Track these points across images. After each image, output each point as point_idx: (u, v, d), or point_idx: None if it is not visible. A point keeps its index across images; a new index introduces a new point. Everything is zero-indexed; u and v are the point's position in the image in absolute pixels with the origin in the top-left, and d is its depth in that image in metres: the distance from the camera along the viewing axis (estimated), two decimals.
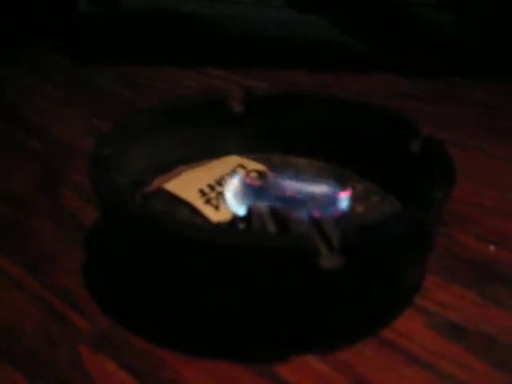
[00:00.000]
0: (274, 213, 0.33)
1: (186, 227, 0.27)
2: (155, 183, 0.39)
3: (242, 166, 0.41)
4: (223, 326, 0.29)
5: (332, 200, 0.34)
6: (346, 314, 0.29)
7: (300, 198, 0.34)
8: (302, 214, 0.32)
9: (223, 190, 0.37)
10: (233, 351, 0.29)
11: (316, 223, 0.28)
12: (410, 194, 0.35)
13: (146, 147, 0.39)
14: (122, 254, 0.32)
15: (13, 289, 0.34)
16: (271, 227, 0.32)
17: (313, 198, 0.34)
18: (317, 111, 0.43)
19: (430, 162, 0.35)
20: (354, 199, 0.37)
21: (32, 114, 0.60)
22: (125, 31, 0.77)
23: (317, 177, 0.39)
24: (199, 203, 0.36)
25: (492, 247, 0.38)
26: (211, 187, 0.38)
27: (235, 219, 0.34)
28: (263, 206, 0.34)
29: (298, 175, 0.37)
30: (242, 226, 0.34)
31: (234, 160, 0.42)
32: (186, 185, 0.38)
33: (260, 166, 0.41)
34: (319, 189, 0.35)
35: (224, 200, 0.36)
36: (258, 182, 0.35)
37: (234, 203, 0.35)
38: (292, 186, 0.35)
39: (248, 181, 0.36)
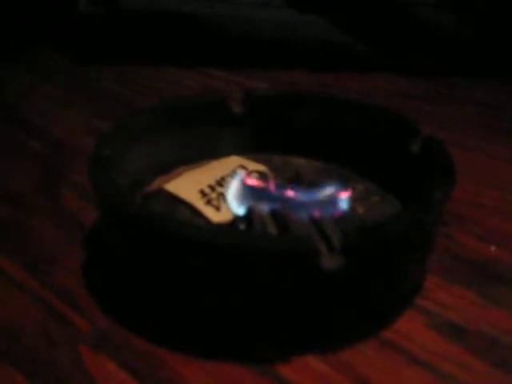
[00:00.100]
0: (274, 214, 0.33)
1: (186, 227, 0.27)
2: (155, 183, 0.39)
3: (243, 167, 0.41)
4: (224, 326, 0.29)
5: (332, 200, 0.34)
6: (346, 315, 0.29)
7: (300, 198, 0.34)
8: (302, 215, 0.32)
9: (224, 191, 0.37)
10: (233, 351, 0.29)
11: (316, 224, 0.28)
12: (410, 194, 0.35)
13: (146, 147, 0.39)
14: (122, 253, 0.32)
15: (13, 289, 0.34)
16: (272, 228, 0.32)
17: (313, 199, 0.34)
18: (317, 111, 0.43)
19: (430, 161, 0.35)
20: (354, 199, 0.38)
21: (32, 113, 0.60)
22: (125, 31, 0.77)
23: (317, 178, 0.39)
24: (200, 204, 0.36)
25: (493, 247, 0.38)
26: (212, 188, 0.38)
27: (236, 220, 0.34)
28: (264, 206, 0.34)
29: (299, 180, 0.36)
30: (242, 226, 0.34)
31: (234, 160, 0.42)
32: (187, 185, 0.38)
33: (260, 167, 0.41)
34: (320, 190, 0.35)
35: (225, 201, 0.36)
36: (258, 183, 0.35)
37: (234, 204, 0.35)
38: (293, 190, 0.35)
39: (248, 182, 0.36)
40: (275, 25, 0.78)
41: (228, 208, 0.35)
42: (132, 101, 0.64)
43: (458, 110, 0.63)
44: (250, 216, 0.33)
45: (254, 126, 0.43)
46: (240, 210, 0.34)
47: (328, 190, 0.34)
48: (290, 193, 0.34)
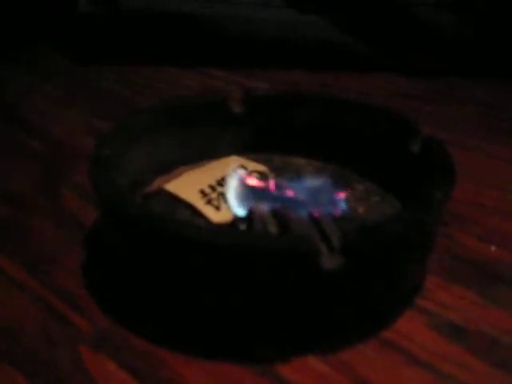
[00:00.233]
0: (274, 213, 0.33)
1: (186, 227, 0.27)
2: (156, 184, 0.39)
3: (243, 167, 0.41)
4: (224, 326, 0.29)
5: (332, 200, 0.34)
6: (346, 315, 0.29)
7: (300, 198, 0.34)
8: (302, 215, 0.32)
9: (224, 191, 0.37)
10: (233, 351, 0.29)
11: (316, 224, 0.28)
12: (410, 194, 0.35)
13: (146, 147, 0.39)
14: (122, 253, 0.32)
15: (13, 289, 0.34)
16: (272, 228, 0.32)
17: (313, 199, 0.34)
18: (317, 111, 0.43)
19: (430, 162, 0.35)
20: (354, 199, 0.38)
21: (32, 113, 0.60)
22: (125, 31, 0.77)
23: (316, 177, 0.39)
24: (200, 204, 0.36)
25: (493, 247, 0.38)
26: (212, 188, 0.38)
27: (236, 220, 0.34)
28: (264, 206, 0.34)
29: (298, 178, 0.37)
30: (242, 226, 0.34)
31: (234, 160, 0.42)
32: (187, 185, 0.38)
33: (261, 167, 0.41)
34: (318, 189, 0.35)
35: (225, 201, 0.36)
36: (258, 183, 0.35)
37: (234, 204, 0.35)
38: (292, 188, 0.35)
39: (249, 182, 0.36)
40: (275, 25, 0.78)
41: (228, 208, 0.35)
42: (132, 101, 0.64)
43: (458, 110, 0.63)
44: (250, 216, 0.33)
45: (253, 126, 0.43)
46: (240, 210, 0.34)
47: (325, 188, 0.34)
48: (290, 192, 0.34)
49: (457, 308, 0.32)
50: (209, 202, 0.36)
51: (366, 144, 0.41)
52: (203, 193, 0.37)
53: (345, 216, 0.34)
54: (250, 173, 0.39)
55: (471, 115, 0.62)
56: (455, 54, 0.74)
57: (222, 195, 0.37)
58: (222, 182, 0.38)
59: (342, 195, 0.35)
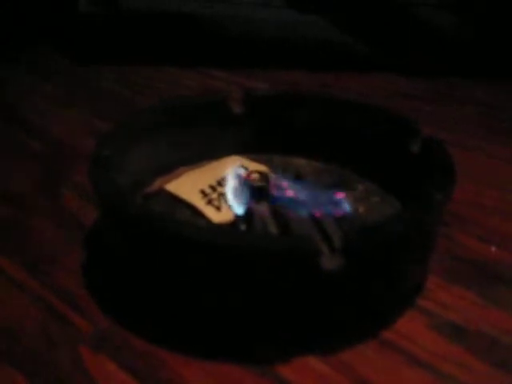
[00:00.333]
0: (275, 213, 0.33)
1: (186, 227, 0.27)
2: (156, 184, 0.39)
3: (243, 167, 0.40)
4: (224, 326, 0.29)
5: (333, 201, 0.34)
6: (346, 315, 0.29)
7: (301, 198, 0.34)
8: (303, 215, 0.32)
9: (224, 191, 0.37)
10: (233, 352, 0.29)
11: (317, 224, 0.28)
12: (410, 194, 0.35)
13: (146, 147, 0.39)
14: (122, 254, 0.32)
15: (13, 289, 0.34)
16: (272, 228, 0.32)
17: (313, 199, 0.34)
18: (317, 111, 0.43)
19: (430, 162, 0.35)
20: (354, 199, 0.37)
21: (32, 113, 0.60)
22: (125, 31, 0.77)
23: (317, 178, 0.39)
24: (200, 204, 0.36)
25: (493, 248, 0.38)
26: (212, 188, 0.38)
27: (237, 220, 0.34)
28: (265, 206, 0.34)
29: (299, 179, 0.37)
30: (243, 226, 0.34)
31: (234, 161, 0.42)
32: (187, 185, 0.38)
33: (261, 167, 0.41)
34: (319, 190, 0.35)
35: (225, 201, 0.36)
36: (259, 183, 0.35)
37: (235, 204, 0.35)
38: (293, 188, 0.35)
39: (249, 182, 0.36)
40: (275, 25, 0.78)
41: (229, 208, 0.35)
42: (132, 101, 0.64)
43: (458, 109, 0.63)
44: (250, 216, 0.33)
45: (254, 126, 0.43)
46: (241, 210, 0.34)
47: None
48: (290, 192, 0.34)
49: (457, 308, 0.32)
50: (209, 202, 0.36)
51: (366, 144, 0.41)
52: (204, 193, 0.37)
53: (346, 216, 0.34)
54: (251, 173, 0.39)
55: (471, 115, 0.62)
56: (455, 54, 0.74)
57: (223, 195, 0.37)
58: (222, 182, 0.38)
59: (342, 195, 0.35)
